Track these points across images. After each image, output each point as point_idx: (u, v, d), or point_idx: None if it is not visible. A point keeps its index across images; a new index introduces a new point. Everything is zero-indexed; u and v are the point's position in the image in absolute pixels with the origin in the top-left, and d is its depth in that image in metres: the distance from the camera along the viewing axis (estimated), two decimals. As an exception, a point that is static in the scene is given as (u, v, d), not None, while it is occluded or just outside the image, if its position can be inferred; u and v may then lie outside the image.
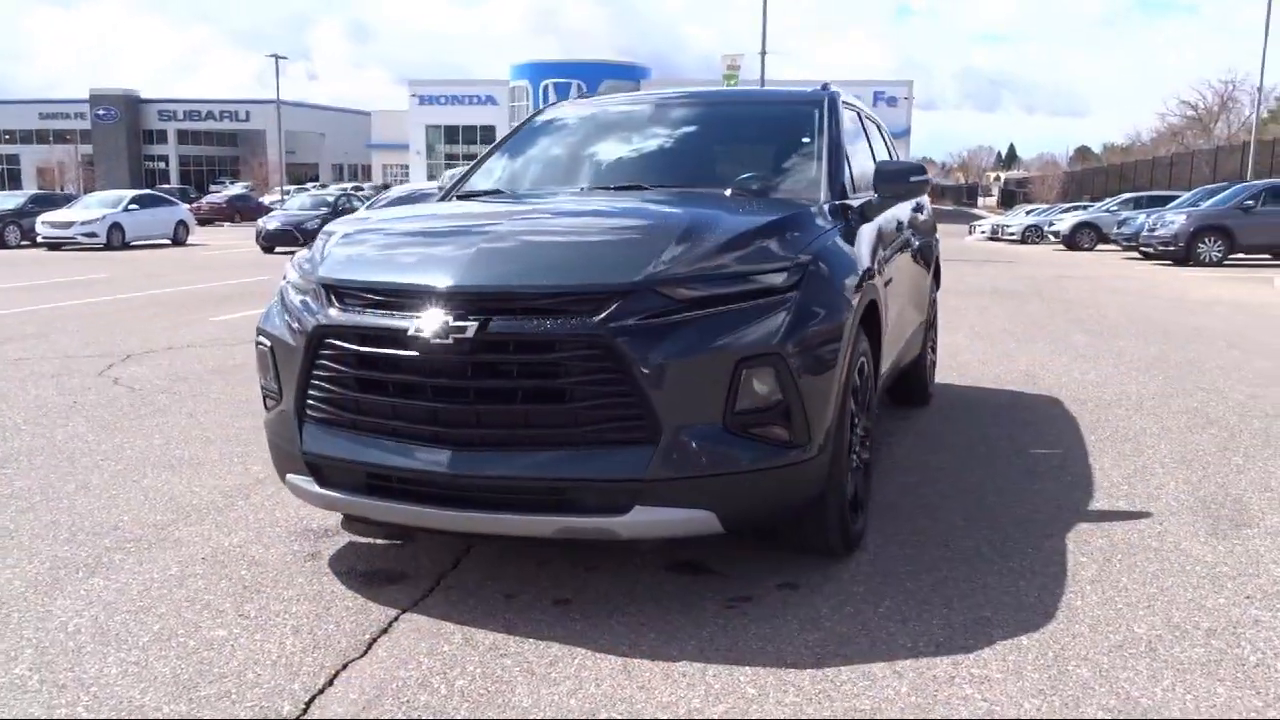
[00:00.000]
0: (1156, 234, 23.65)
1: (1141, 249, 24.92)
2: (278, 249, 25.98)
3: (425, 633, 3.19)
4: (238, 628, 3.23)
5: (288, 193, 55.29)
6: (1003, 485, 4.80)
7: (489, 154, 5.07)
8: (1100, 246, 32.32)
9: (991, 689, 2.80)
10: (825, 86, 5.11)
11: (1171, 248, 22.98)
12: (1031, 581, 3.58)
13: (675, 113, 5.08)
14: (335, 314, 3.36)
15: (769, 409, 3.20)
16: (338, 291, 3.41)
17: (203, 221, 43.12)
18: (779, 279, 3.27)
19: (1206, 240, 22.53)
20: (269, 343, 3.65)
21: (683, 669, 2.93)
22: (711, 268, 3.23)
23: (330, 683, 2.87)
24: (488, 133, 76.18)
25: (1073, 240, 32.95)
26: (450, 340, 3.10)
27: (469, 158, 77.60)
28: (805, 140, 4.64)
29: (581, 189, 4.52)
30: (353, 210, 28.29)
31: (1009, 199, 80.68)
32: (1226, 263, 22.46)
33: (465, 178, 4.95)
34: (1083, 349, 9.39)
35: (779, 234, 3.47)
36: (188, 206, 36.58)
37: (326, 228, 3.96)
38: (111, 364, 8.40)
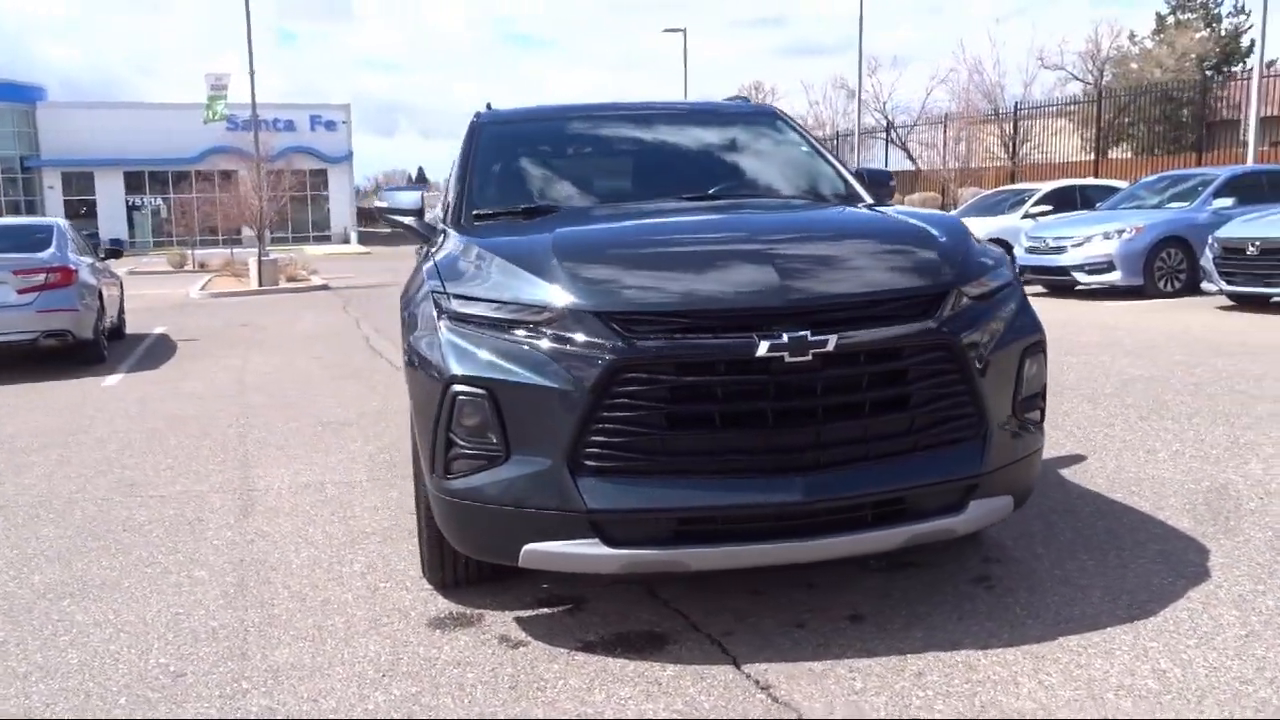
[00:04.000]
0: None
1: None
2: None
3: (806, 677, 2.95)
4: (608, 730, 2.71)
5: None
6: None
7: (470, 173, 4.41)
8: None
9: (1294, 613, 3.27)
10: (742, 98, 5.35)
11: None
12: (1157, 529, 4.09)
13: (659, 126, 4.97)
14: (642, 344, 2.93)
15: (1037, 394, 3.42)
16: (624, 319, 2.97)
17: None
18: (1009, 272, 3.50)
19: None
20: (483, 391, 3.04)
21: (1071, 644, 3.07)
22: (980, 265, 3.36)
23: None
24: None
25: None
26: (809, 357, 2.89)
27: None
28: (804, 150, 4.81)
29: (656, 201, 4.25)
30: None
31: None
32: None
33: (463, 198, 4.32)
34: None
35: (971, 234, 3.67)
36: None
37: (492, 251, 3.36)
38: None
